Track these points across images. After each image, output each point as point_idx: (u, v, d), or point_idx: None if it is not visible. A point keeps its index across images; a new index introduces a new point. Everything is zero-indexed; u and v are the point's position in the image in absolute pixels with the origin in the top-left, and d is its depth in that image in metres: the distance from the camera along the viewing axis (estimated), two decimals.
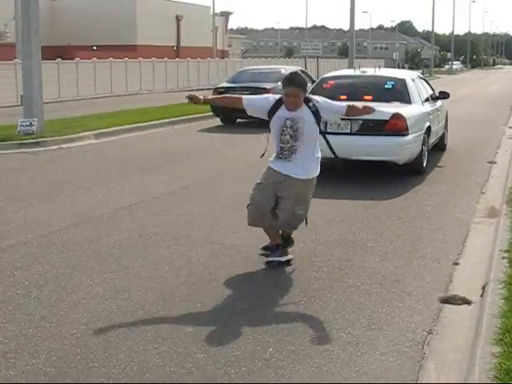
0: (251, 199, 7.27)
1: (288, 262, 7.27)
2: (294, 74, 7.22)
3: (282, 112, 7.13)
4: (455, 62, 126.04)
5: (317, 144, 7.33)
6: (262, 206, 7.16)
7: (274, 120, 7.19)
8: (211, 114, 25.21)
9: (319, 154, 7.37)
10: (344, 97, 12.86)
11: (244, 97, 7.49)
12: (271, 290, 6.49)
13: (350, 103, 7.55)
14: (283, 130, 7.10)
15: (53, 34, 60.30)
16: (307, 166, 7.19)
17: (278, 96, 7.29)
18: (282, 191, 7.13)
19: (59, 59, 36.85)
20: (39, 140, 17.02)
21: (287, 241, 7.50)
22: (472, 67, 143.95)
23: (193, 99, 7.37)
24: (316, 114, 7.14)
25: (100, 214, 9.49)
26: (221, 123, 22.81)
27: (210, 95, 8.13)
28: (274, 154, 7.27)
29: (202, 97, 7.49)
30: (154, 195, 10.77)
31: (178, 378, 4.72)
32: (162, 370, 4.84)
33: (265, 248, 7.44)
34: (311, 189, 7.32)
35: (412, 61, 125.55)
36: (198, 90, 45.20)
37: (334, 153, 8.16)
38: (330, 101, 7.47)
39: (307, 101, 7.15)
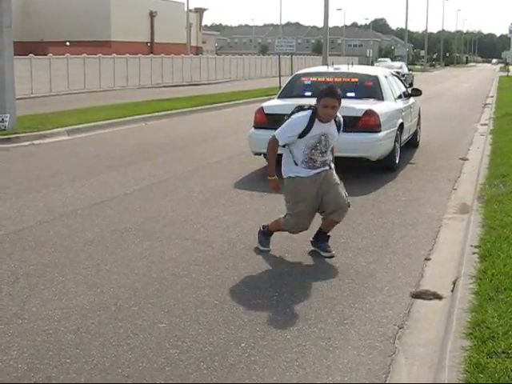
0: (299, 213, 7.37)
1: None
2: (333, 86, 7.32)
3: (316, 128, 7.20)
4: (384, 59, 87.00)
5: None
6: (309, 217, 7.46)
7: (307, 138, 7.21)
8: (185, 110, 25.27)
9: None
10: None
11: (277, 136, 7.30)
12: (243, 285, 6.51)
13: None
14: (316, 146, 7.26)
15: (25, 29, 59.87)
16: None
17: (307, 112, 7.25)
18: (324, 186, 7.40)
19: (32, 55, 36.54)
20: (11, 136, 16.89)
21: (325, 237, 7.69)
22: (445, 65, 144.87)
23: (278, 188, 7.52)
24: (339, 128, 7.47)
25: (72, 211, 9.44)
26: (193, 118, 22.81)
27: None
28: (302, 163, 7.29)
29: (274, 177, 7.43)
30: (127, 191, 10.75)
31: (150, 374, 4.72)
32: (134, 365, 4.83)
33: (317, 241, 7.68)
34: None
35: (386, 58, 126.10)
36: (172, 86, 45.21)
37: None
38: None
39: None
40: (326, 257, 7.44)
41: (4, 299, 6.09)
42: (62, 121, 19.72)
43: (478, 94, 37.99)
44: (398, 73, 46.38)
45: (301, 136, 7.18)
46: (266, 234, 7.71)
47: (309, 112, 7.24)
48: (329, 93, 7.15)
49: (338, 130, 7.44)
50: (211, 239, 8.05)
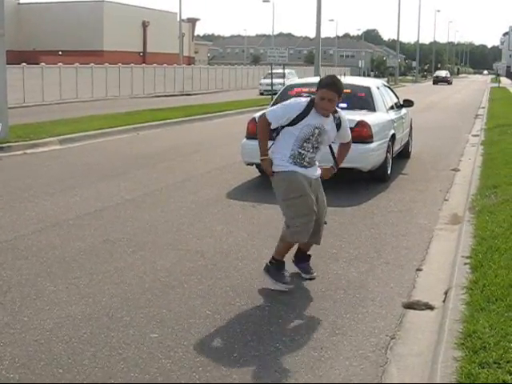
0: (306, 211, 6.57)
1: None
2: (334, 78, 6.64)
3: (312, 119, 6.54)
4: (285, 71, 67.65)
5: None
6: (315, 214, 6.66)
7: (300, 126, 6.53)
8: (177, 120, 25.26)
9: None
10: None
11: (267, 116, 6.65)
12: (236, 295, 6.51)
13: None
14: (309, 139, 6.58)
15: (18, 38, 59.94)
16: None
17: (306, 99, 6.61)
18: (315, 193, 6.78)
19: (24, 64, 36.56)
20: (3, 145, 16.85)
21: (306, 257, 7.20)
22: None
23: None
24: (338, 127, 6.77)
25: (64, 220, 9.43)
26: (185, 128, 22.85)
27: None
28: (289, 158, 6.61)
29: (266, 157, 6.74)
30: (119, 201, 10.74)
31: None
32: (126, 375, 4.83)
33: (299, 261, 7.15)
34: None
35: (377, 69, 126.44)
36: (164, 96, 45.25)
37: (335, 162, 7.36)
38: (347, 124, 7.00)
39: (334, 111, 6.72)
40: (306, 279, 7.00)
41: None
42: (54, 130, 19.71)
43: (470, 105, 38.14)
44: (445, 77, 79.29)
45: (292, 123, 6.53)
46: (278, 266, 6.83)
47: (307, 99, 6.60)
48: (327, 84, 6.50)
49: (338, 128, 6.76)
50: (203, 249, 8.05)
